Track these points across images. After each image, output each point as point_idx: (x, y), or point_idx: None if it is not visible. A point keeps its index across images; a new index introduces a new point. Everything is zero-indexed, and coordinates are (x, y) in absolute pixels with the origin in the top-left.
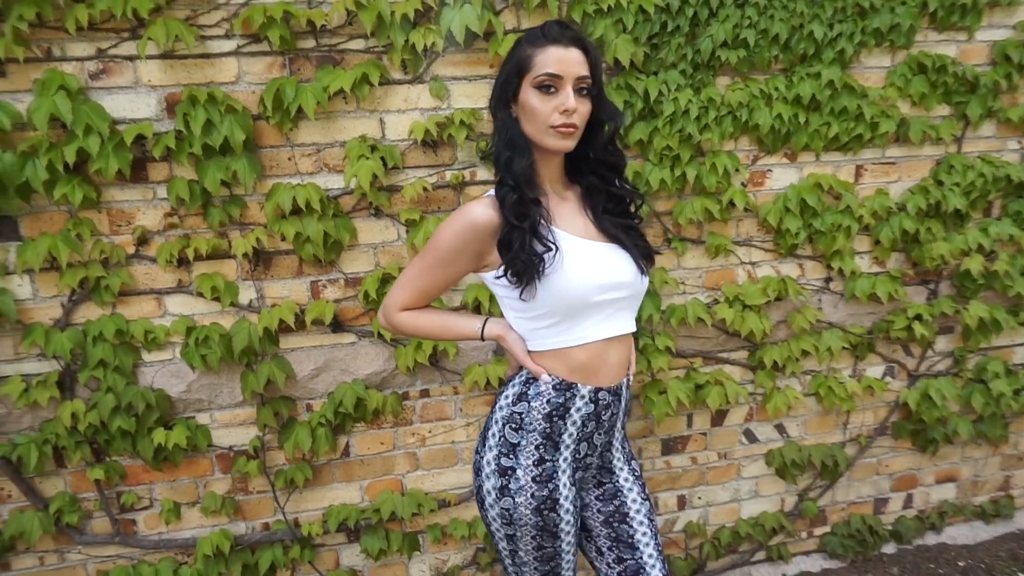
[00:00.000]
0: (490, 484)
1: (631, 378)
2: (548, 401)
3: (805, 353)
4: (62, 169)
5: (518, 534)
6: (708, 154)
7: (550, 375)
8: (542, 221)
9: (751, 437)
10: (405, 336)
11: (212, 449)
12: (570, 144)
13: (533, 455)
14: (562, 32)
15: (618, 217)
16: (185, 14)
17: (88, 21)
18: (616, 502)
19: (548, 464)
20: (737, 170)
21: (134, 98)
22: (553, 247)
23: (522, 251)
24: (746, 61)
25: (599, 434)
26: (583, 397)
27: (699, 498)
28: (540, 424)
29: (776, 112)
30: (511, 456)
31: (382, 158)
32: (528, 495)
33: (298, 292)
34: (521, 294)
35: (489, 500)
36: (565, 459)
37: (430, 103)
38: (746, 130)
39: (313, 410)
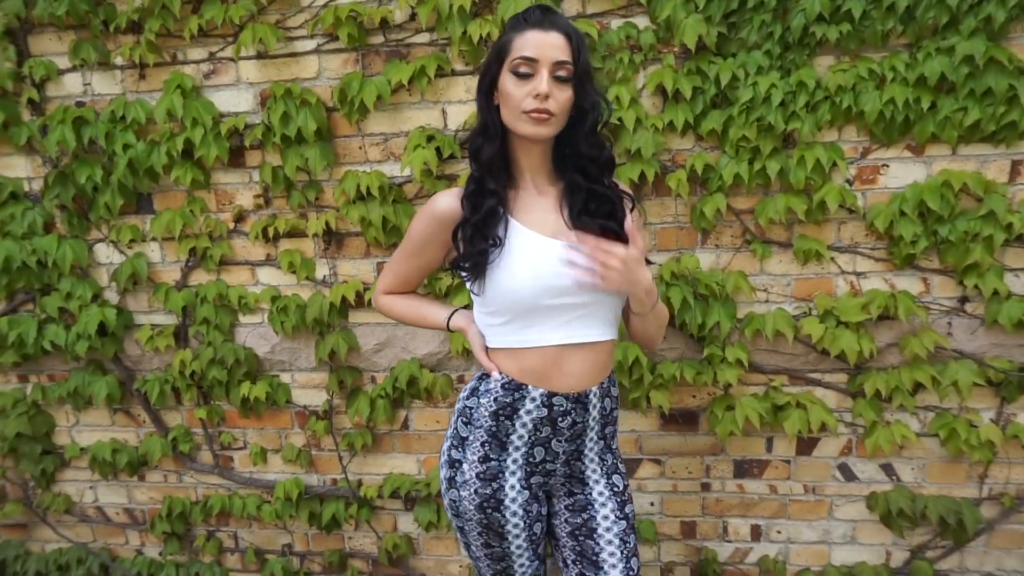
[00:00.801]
0: (442, 474)
1: (609, 388)
2: (495, 399)
3: (920, 385)
4: (178, 156)
5: (466, 527)
6: (798, 146)
7: (500, 373)
8: (501, 213)
9: (848, 474)
10: (390, 319)
11: (291, 405)
12: (543, 131)
13: (479, 452)
14: (544, 15)
15: (600, 219)
16: (275, 18)
17: (199, 29)
18: (585, 515)
19: (493, 463)
20: (837, 164)
21: (235, 94)
22: (495, 242)
23: (468, 243)
24: (853, 36)
25: (559, 441)
26: (534, 400)
27: (778, 532)
28: (487, 421)
29: (888, 96)
30: (460, 449)
31: (437, 147)
32: (472, 491)
33: (365, 271)
34: (472, 287)
35: (442, 489)
36: (515, 460)
37: None
38: (850, 118)
39: (376, 382)
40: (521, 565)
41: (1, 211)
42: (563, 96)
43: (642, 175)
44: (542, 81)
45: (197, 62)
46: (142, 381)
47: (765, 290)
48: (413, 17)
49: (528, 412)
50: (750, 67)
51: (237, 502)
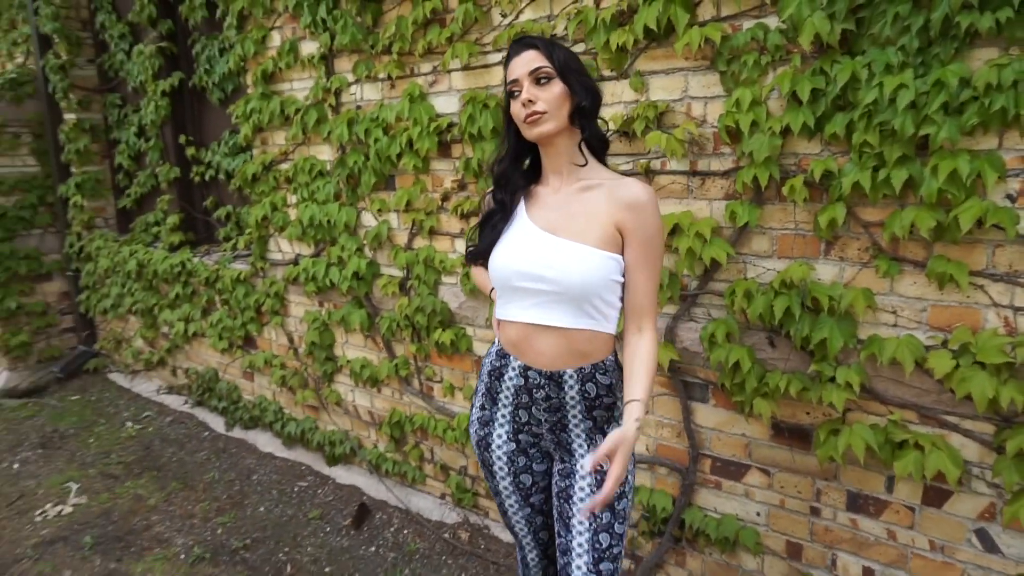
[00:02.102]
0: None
1: (593, 374)
2: (491, 361)
3: None
4: (405, 147)
5: (476, 458)
6: (935, 153)
7: (497, 340)
8: (499, 218)
9: (988, 544)
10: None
11: (471, 353)
12: (541, 129)
13: (480, 400)
14: (517, 43)
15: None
16: (475, 36)
17: (427, 48)
18: (567, 482)
19: (487, 412)
20: (984, 176)
21: (447, 99)
22: (480, 227)
23: (478, 232)
24: (1018, 24)
25: (538, 409)
26: (514, 369)
27: None
28: (486, 377)
29: None
30: (475, 393)
31: None
32: (474, 429)
33: None
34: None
35: None
36: (503, 415)
37: (632, 96)
38: (1008, 122)
39: None
40: (510, 505)
41: (312, 183)
42: (550, 93)
43: (755, 179)
44: (524, 91)
45: (425, 74)
46: (381, 317)
47: (894, 312)
48: (575, 31)
49: (511, 378)
50: (876, 66)
51: (433, 423)
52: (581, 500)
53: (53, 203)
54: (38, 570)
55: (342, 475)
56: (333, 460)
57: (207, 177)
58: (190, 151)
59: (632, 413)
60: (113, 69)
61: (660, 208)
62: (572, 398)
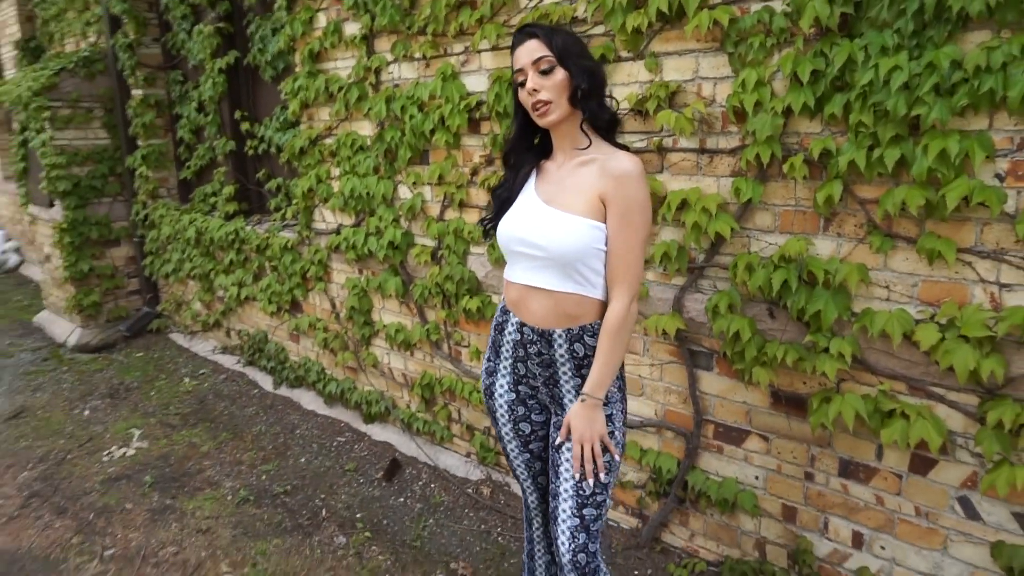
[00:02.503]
0: None
1: (581, 335)
2: (497, 316)
3: None
4: (439, 123)
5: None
6: (926, 133)
7: (502, 297)
8: (507, 197)
9: (969, 511)
10: None
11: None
12: (548, 119)
13: (488, 351)
14: (520, 33)
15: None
16: (504, 18)
17: (459, 29)
18: (557, 433)
19: (491, 363)
20: (972, 156)
21: (477, 78)
22: (493, 195)
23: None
24: (1010, 7)
25: (533, 365)
26: (513, 324)
27: (882, 547)
28: (492, 331)
29: None
30: (488, 347)
31: None
32: (482, 377)
33: None
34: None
35: None
36: (504, 367)
37: (647, 76)
38: (995, 104)
39: None
40: (511, 450)
41: (353, 157)
42: (553, 81)
43: (757, 156)
44: (528, 81)
45: (457, 54)
46: (414, 285)
47: (887, 287)
48: (594, 13)
49: (510, 333)
50: (872, 48)
51: (460, 385)
52: (568, 450)
53: (121, 173)
54: (104, 502)
55: (377, 432)
56: (369, 418)
57: (260, 150)
58: (245, 126)
59: (584, 389)
60: (176, 48)
61: (663, 183)
62: (561, 356)
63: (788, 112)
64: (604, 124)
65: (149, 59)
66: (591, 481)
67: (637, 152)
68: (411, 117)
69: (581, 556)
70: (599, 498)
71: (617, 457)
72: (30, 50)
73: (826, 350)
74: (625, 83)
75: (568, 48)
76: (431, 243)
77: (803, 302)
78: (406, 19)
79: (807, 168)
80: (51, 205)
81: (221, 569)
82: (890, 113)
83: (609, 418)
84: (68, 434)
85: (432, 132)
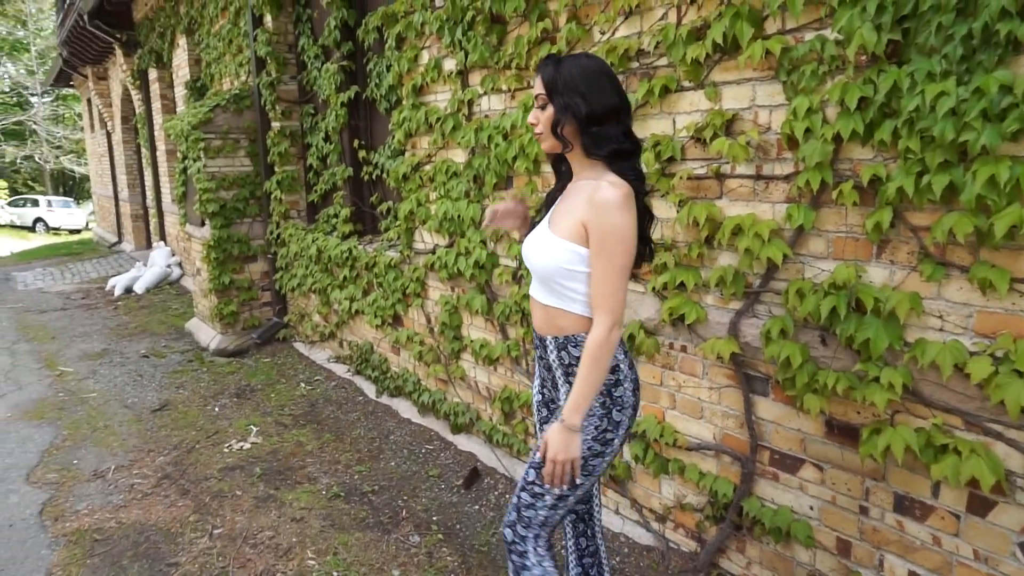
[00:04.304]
0: None
1: (566, 345)
2: None
3: None
4: (520, 152)
5: None
6: (976, 160)
7: None
8: (547, 202)
9: None
10: None
11: None
12: (543, 147)
13: None
14: (538, 66)
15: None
16: (578, 52)
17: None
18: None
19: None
20: None
21: None
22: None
23: None
24: None
25: (542, 368)
26: (533, 331)
27: None
28: None
29: None
30: None
31: (658, 151)
32: None
33: None
34: None
35: None
36: (535, 372)
37: (707, 105)
38: None
39: None
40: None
41: (448, 182)
42: (546, 115)
43: (808, 183)
44: (530, 115)
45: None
46: (497, 303)
47: (940, 317)
48: (657, 46)
49: (532, 339)
50: (919, 75)
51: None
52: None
53: (260, 197)
54: (219, 487)
55: (462, 442)
56: (456, 429)
57: (374, 176)
58: (361, 153)
59: (564, 410)
60: (309, 84)
61: (721, 209)
62: (554, 361)
63: (839, 139)
64: (601, 157)
65: (287, 95)
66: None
67: (697, 179)
68: (496, 145)
69: (507, 531)
70: (536, 489)
71: (578, 480)
72: (196, 89)
73: (876, 380)
74: (687, 112)
75: (562, 83)
76: (512, 264)
77: (852, 330)
78: (494, 55)
79: (857, 194)
80: (202, 224)
81: (307, 555)
82: (937, 139)
83: (585, 432)
84: (199, 427)
85: (514, 159)
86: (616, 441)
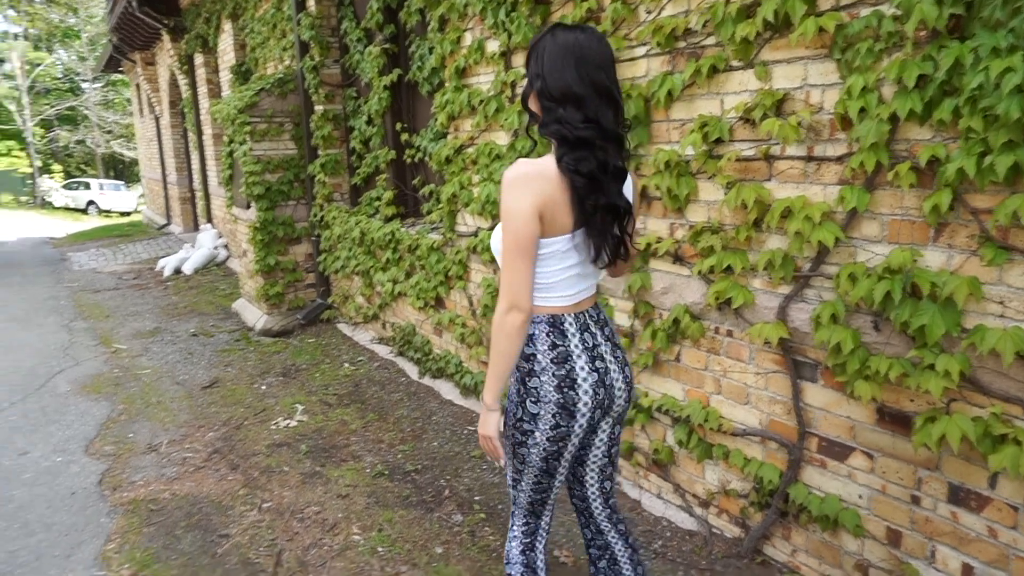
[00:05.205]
0: None
1: None
2: None
3: None
4: None
5: None
6: None
7: None
8: None
9: None
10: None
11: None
12: None
13: None
14: None
15: None
16: (624, 32)
17: None
18: None
19: None
20: None
21: None
22: None
23: None
24: None
25: None
26: None
27: None
28: None
29: None
30: None
31: (705, 132)
32: None
33: (662, 228)
34: None
35: None
36: None
37: (756, 85)
38: None
39: (662, 318)
40: None
41: (491, 165)
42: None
43: (863, 164)
44: None
45: None
46: None
47: (1001, 303)
48: (705, 24)
49: None
50: (983, 50)
51: None
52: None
53: (304, 179)
54: (267, 463)
55: None
56: None
57: (416, 159)
58: (404, 136)
59: None
60: (351, 67)
61: (770, 191)
62: None
63: (895, 119)
64: (545, 136)
65: (330, 78)
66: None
67: (745, 160)
68: None
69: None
70: (507, 479)
71: (499, 462)
72: (241, 73)
73: (932, 367)
74: (736, 92)
75: (535, 54)
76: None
77: (907, 315)
78: None
79: (915, 176)
80: (248, 207)
81: (352, 530)
82: (1001, 118)
83: (508, 417)
84: (247, 404)
85: None
86: (537, 434)
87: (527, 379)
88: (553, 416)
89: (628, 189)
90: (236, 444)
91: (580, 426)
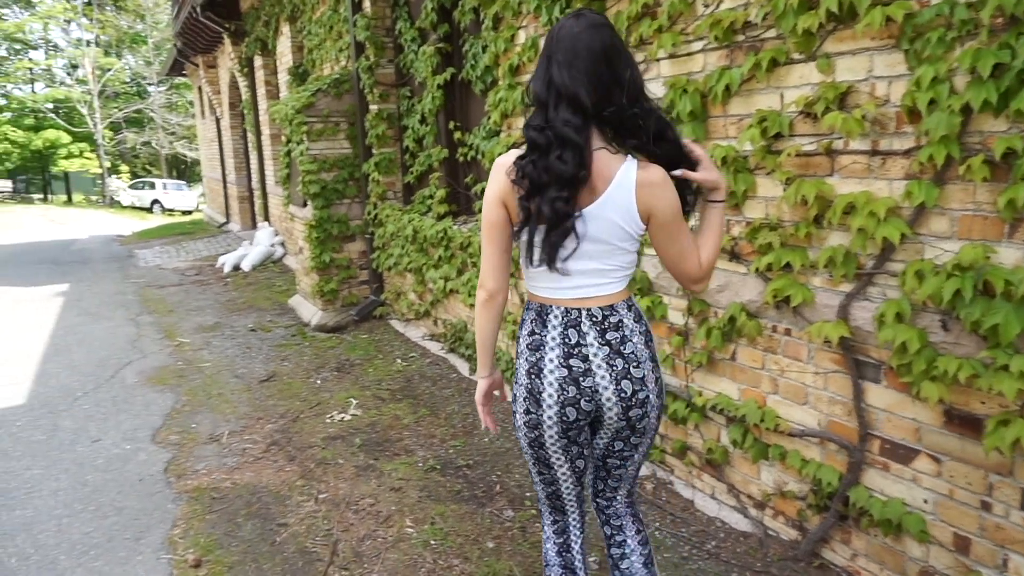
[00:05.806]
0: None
1: None
2: None
3: None
4: None
5: None
6: None
7: None
8: None
9: None
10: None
11: (664, 320)
12: None
13: None
14: None
15: None
16: (681, 27)
17: (639, 39)
18: None
19: None
20: None
21: (654, 85)
22: None
23: None
24: None
25: None
26: None
27: None
28: None
29: None
30: None
31: (763, 127)
32: None
33: None
34: None
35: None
36: None
37: (818, 78)
38: None
39: (717, 316)
40: None
41: None
42: None
43: (932, 158)
44: None
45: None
46: None
47: None
48: (766, 17)
49: None
50: None
51: None
52: None
53: (359, 178)
54: (323, 455)
55: None
56: None
57: (469, 157)
58: (457, 135)
59: None
60: (406, 67)
61: (833, 187)
62: None
63: (968, 110)
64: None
65: (384, 78)
66: None
67: (805, 155)
68: None
69: None
70: None
71: (491, 428)
72: (298, 75)
73: (1006, 367)
74: (796, 85)
75: (545, 42)
76: None
77: (979, 314)
78: None
79: (988, 169)
80: (304, 205)
81: (405, 523)
82: None
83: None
84: (303, 398)
85: None
86: (517, 416)
87: (516, 360)
88: (524, 400)
89: (628, 193)
90: (293, 436)
91: (550, 418)
